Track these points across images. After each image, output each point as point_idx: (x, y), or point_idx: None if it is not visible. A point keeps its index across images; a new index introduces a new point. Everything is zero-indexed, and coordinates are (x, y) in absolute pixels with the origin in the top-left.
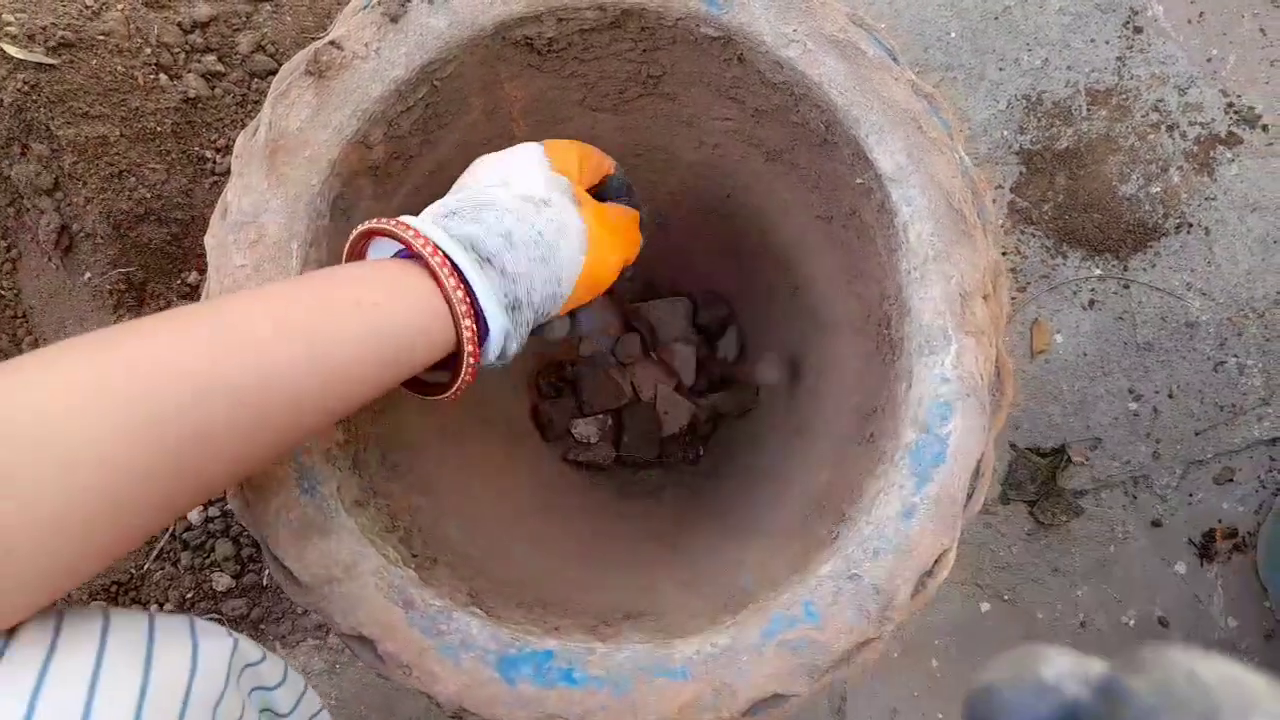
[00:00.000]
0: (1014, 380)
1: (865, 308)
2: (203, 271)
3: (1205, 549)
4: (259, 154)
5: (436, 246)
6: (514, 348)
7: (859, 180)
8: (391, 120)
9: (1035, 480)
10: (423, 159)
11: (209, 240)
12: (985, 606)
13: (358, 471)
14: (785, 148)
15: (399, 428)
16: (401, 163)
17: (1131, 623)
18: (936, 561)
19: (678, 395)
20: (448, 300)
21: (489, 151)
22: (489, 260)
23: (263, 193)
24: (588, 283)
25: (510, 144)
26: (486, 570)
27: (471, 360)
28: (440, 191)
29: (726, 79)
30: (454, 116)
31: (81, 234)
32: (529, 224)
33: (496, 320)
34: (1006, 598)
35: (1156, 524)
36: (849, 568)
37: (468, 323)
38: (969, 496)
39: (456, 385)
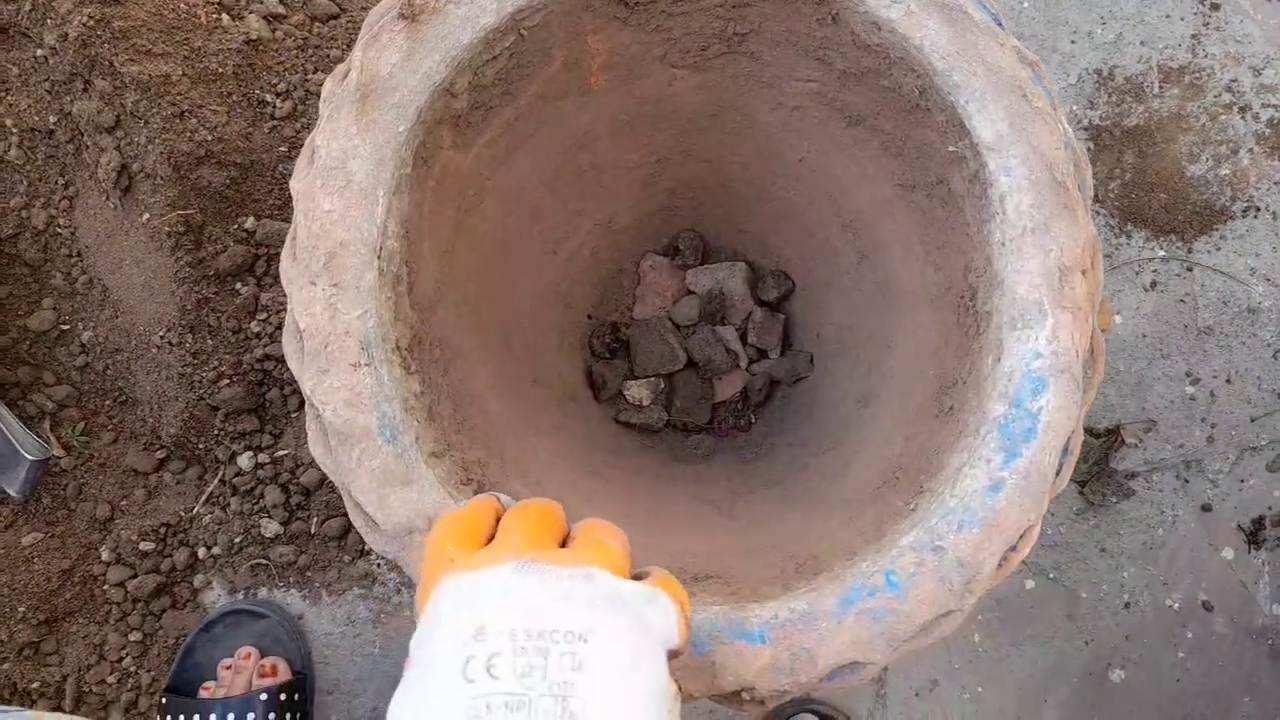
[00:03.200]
0: (1103, 359)
1: (946, 279)
2: (260, 217)
3: (1254, 535)
4: (349, 98)
5: None
6: None
7: (951, 148)
8: (477, 69)
9: (1087, 460)
10: (502, 110)
11: (295, 185)
12: (1030, 583)
13: (433, 422)
14: (870, 112)
15: (465, 380)
16: (481, 113)
17: (1176, 606)
18: (1021, 536)
19: (731, 361)
20: None
21: (567, 104)
22: None
23: (351, 137)
24: None
25: (588, 97)
26: None
27: None
28: (515, 144)
29: (816, 39)
30: (536, 68)
31: (141, 174)
32: None
33: None
34: (1052, 575)
35: (1206, 508)
36: (933, 539)
37: None
38: (1057, 473)
39: None
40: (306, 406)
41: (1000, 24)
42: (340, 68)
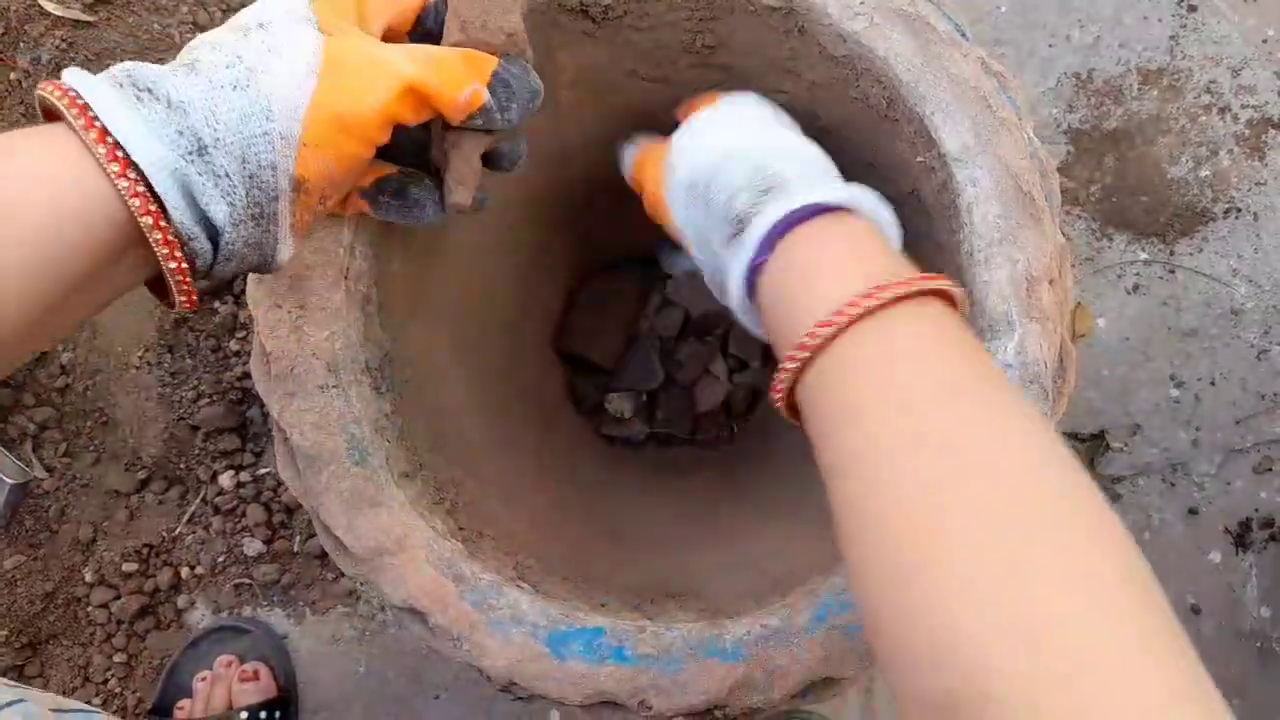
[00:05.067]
0: (1076, 367)
1: None
2: None
3: (1241, 538)
4: None
5: (72, 91)
6: (222, 212)
7: (920, 159)
8: None
9: None
10: None
11: None
12: None
13: (405, 442)
14: (841, 123)
15: (440, 398)
16: None
17: None
18: None
19: (713, 373)
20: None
21: (539, 120)
22: (148, 90)
23: None
24: (328, 116)
25: (558, 111)
26: (529, 545)
27: (155, 230)
28: None
29: (784, 51)
30: None
31: None
32: (224, 50)
33: (159, 163)
34: None
35: (1193, 512)
36: None
37: (115, 169)
38: None
39: (174, 278)
40: (274, 430)
41: (965, 35)
42: None
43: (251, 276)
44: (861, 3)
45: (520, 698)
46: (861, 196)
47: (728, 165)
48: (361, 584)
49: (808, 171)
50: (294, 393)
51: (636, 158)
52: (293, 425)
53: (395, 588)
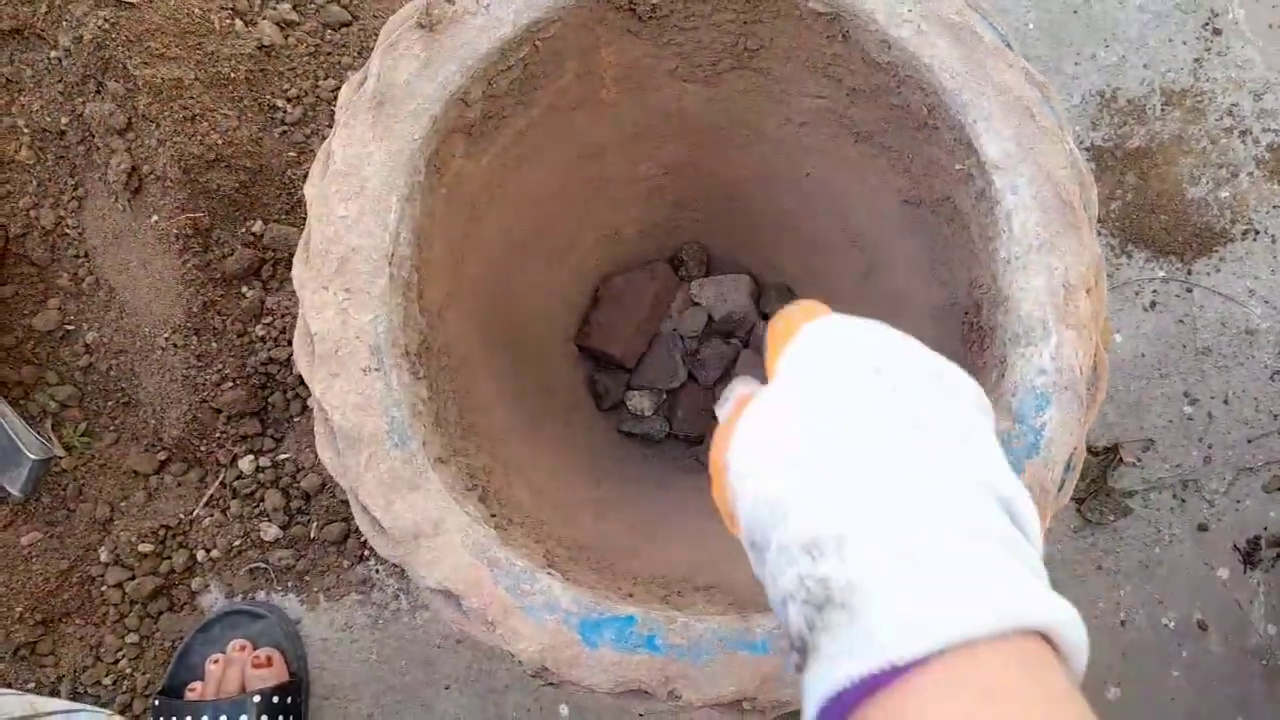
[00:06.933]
0: (1107, 376)
1: (950, 295)
2: (268, 221)
3: (1249, 555)
4: (366, 104)
5: None
6: None
7: (958, 166)
8: (491, 79)
9: (1085, 478)
10: (514, 120)
11: (309, 190)
12: None
13: (440, 428)
14: (878, 129)
15: (471, 386)
16: (494, 122)
17: (1172, 625)
18: None
19: (734, 375)
20: None
21: (578, 116)
22: None
23: (366, 144)
24: None
25: (598, 109)
26: (556, 534)
27: None
28: (526, 154)
29: (826, 56)
30: (548, 79)
31: (151, 176)
32: None
33: None
34: None
35: (1203, 528)
36: None
37: None
38: (1059, 489)
39: None
40: (315, 410)
41: (1009, 44)
42: (357, 75)
43: (298, 258)
44: (909, 10)
45: (550, 684)
46: (991, 611)
47: (776, 526)
48: (388, 567)
49: (891, 572)
50: (337, 373)
51: (719, 427)
52: (335, 406)
53: (430, 570)
